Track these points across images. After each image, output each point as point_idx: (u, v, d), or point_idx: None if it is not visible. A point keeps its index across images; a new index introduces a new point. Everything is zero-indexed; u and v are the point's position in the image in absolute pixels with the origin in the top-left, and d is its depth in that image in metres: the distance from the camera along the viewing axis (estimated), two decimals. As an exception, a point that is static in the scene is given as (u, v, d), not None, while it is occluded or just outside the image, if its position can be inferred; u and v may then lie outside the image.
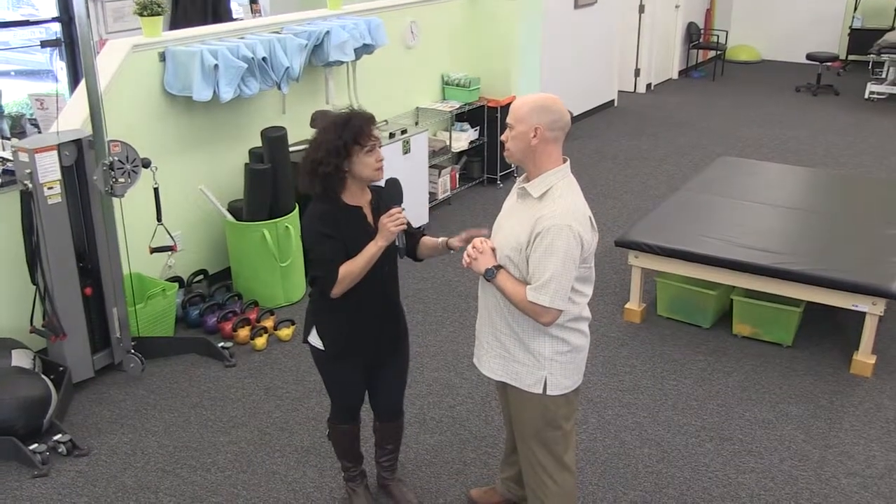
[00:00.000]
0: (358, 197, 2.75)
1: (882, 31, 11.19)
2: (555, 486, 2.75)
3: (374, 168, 2.67)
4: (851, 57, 11.94)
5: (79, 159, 3.84)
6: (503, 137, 2.51)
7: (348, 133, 2.62)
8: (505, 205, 2.70)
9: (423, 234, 2.95)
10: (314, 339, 2.86)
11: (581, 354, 2.66)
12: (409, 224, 2.79)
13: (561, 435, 2.70)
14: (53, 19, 6.49)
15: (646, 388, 4.07)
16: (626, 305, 4.77)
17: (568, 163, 2.53)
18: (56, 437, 3.57)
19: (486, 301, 2.68)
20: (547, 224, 2.39)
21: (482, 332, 2.74)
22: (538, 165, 2.47)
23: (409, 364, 3.10)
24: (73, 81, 6.37)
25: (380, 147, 2.71)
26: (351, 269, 2.64)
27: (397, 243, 2.72)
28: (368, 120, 2.67)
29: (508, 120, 2.49)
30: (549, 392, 2.60)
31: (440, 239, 2.88)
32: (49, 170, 3.69)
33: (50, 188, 3.72)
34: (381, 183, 2.78)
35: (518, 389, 2.65)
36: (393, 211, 2.65)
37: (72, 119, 4.17)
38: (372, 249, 2.65)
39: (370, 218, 2.76)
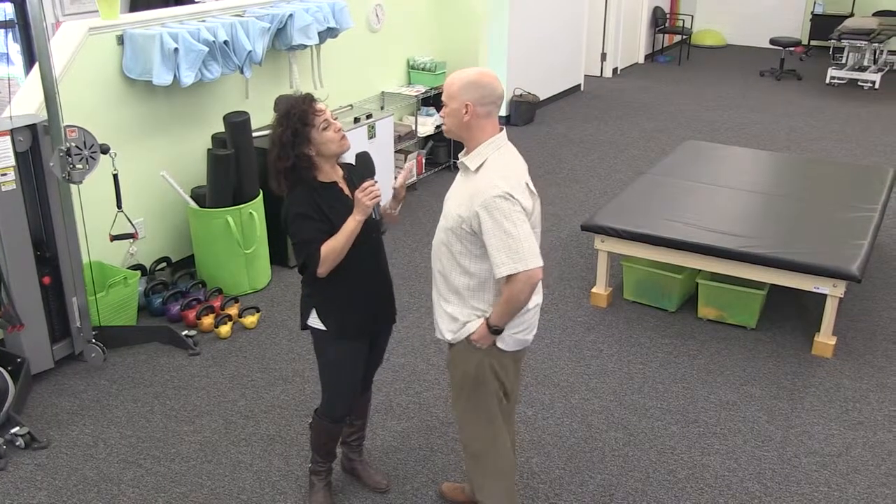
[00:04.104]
0: (330, 174, 2.74)
1: (842, 17, 11.34)
2: (486, 447, 2.72)
3: (338, 140, 2.67)
4: (813, 42, 12.09)
5: (34, 145, 3.75)
6: (441, 114, 2.54)
7: (294, 120, 2.61)
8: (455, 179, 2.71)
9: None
10: (315, 322, 2.81)
11: (518, 318, 2.60)
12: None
13: (489, 393, 2.66)
14: None
15: (612, 371, 4.09)
16: (593, 290, 4.78)
17: (503, 132, 2.56)
18: (14, 430, 3.50)
19: (434, 270, 2.68)
20: (483, 198, 2.40)
21: (433, 299, 2.74)
22: (474, 139, 2.51)
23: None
24: (29, 65, 6.21)
25: (334, 118, 2.70)
26: (333, 247, 2.63)
27: (374, 215, 2.72)
28: (308, 99, 2.66)
29: (443, 97, 2.53)
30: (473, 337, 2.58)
31: (386, 203, 2.89)
32: (2, 156, 3.60)
33: (3, 175, 3.62)
34: (350, 156, 2.77)
35: (452, 345, 2.67)
36: (366, 184, 2.63)
37: (26, 104, 4.06)
38: (351, 225, 2.64)
39: (346, 192, 2.76)
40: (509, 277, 2.44)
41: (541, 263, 2.44)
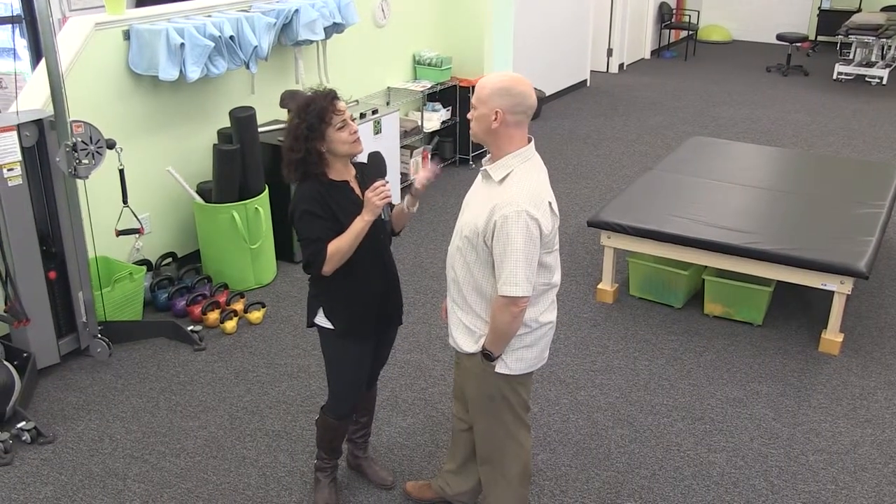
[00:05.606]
0: (342, 173, 2.73)
1: (849, 13, 11.28)
2: (500, 455, 2.70)
3: (350, 142, 2.65)
4: (820, 38, 12.03)
5: (40, 140, 3.75)
6: (469, 116, 2.48)
7: (312, 115, 2.59)
8: (474, 183, 2.67)
9: (393, 206, 2.92)
10: (322, 320, 2.80)
11: (532, 336, 2.57)
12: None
13: (506, 409, 2.64)
14: (13, -5, 6.31)
15: (618, 368, 4.08)
16: (599, 286, 4.77)
17: (532, 144, 2.48)
18: (20, 425, 3.50)
19: (448, 276, 2.64)
20: (504, 212, 2.33)
21: (448, 306, 2.71)
22: (500, 147, 2.43)
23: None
24: (36, 60, 6.21)
25: (352, 120, 2.68)
26: (339, 246, 2.61)
27: (383, 216, 2.70)
28: (330, 97, 2.64)
29: (473, 100, 2.45)
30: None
31: (403, 202, 2.86)
32: (9, 151, 3.60)
33: (10, 170, 3.62)
34: (364, 156, 2.76)
35: (464, 356, 2.61)
36: (377, 184, 2.62)
37: (32, 99, 4.06)
38: (359, 225, 2.62)
39: (357, 191, 2.75)
40: (498, 297, 2.39)
41: (528, 293, 2.38)
